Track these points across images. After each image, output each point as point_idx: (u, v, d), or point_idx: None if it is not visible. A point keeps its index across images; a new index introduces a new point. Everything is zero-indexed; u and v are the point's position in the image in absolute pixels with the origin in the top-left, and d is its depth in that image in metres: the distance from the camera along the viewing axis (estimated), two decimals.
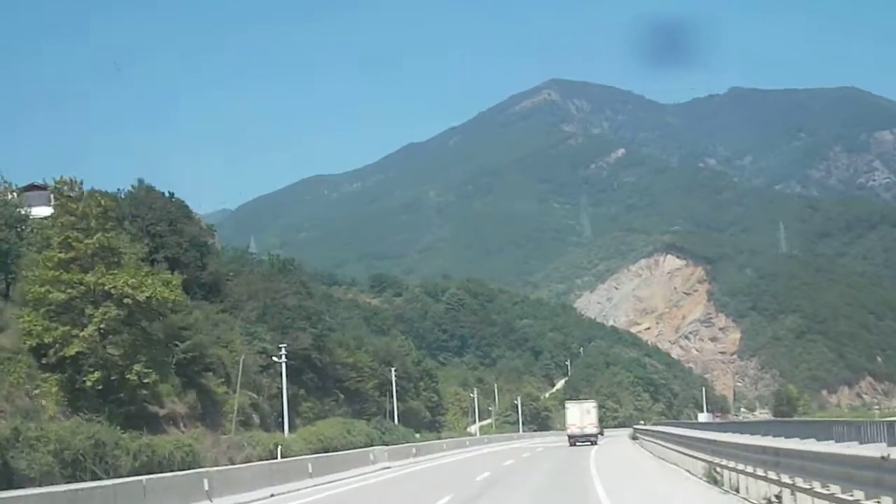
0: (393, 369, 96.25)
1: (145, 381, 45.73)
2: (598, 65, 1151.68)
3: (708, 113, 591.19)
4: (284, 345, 66.36)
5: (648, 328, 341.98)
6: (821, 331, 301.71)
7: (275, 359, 66.18)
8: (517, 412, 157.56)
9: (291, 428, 71.23)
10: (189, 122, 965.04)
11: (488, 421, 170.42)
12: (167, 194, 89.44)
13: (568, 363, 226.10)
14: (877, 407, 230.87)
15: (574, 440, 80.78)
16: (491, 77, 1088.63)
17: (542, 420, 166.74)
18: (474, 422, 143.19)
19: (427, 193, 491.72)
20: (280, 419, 71.44)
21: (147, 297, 45.15)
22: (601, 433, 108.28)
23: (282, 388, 71.98)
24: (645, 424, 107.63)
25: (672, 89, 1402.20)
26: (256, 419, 68.15)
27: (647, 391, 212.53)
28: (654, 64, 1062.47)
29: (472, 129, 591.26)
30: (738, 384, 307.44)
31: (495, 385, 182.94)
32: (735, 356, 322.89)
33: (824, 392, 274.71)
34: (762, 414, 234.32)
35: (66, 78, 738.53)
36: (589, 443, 79.27)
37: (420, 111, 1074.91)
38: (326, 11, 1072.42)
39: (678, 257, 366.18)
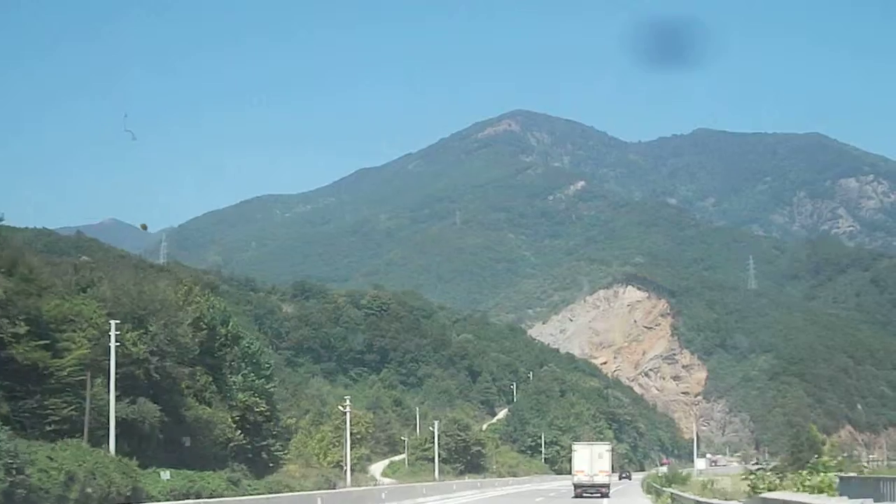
0: (112, 325, 45.11)
1: None
2: (562, 99, 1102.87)
3: (671, 153, 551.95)
4: None
5: (605, 363, 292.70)
6: (796, 373, 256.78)
7: None
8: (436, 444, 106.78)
9: None
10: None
11: (402, 456, 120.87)
12: None
13: (514, 387, 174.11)
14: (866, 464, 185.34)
15: (581, 490, 63.83)
16: (458, 105, 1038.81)
17: (471, 458, 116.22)
18: (341, 453, 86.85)
19: (377, 217, 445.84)
20: None
21: None
22: (629, 476, 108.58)
23: None
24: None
25: (636, 127, 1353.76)
26: None
27: (610, 427, 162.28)
28: (619, 101, 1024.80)
29: (432, 155, 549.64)
30: (703, 428, 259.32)
31: (417, 410, 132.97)
32: (700, 397, 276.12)
33: None
34: (735, 461, 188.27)
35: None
36: (599, 494, 62.68)
37: (383, 136, 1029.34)
38: (288, 40, 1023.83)
39: (639, 289, 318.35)
